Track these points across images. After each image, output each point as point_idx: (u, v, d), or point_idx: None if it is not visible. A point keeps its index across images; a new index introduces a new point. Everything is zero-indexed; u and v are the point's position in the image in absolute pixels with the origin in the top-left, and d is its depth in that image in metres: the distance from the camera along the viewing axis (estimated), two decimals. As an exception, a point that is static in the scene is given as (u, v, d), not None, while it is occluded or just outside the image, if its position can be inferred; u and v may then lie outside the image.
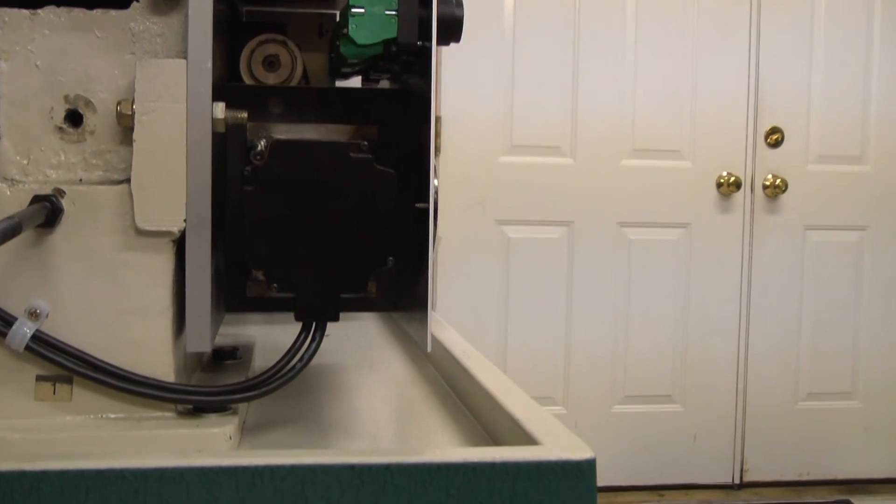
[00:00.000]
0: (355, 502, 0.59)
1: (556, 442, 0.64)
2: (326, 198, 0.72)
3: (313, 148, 0.73)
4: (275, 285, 0.73)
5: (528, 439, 0.65)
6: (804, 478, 3.06)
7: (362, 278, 0.73)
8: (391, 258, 0.74)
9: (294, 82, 0.92)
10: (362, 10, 0.74)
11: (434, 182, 0.74)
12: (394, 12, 0.75)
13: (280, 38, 0.91)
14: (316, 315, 0.74)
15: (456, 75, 2.74)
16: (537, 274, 2.85)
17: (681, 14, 2.86)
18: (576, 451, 0.62)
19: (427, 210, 0.73)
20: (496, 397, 0.75)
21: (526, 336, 2.84)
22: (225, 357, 0.92)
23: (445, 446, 0.76)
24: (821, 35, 2.94)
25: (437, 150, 2.72)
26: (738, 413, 3.01)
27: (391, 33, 0.75)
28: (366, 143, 0.73)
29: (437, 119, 2.66)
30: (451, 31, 0.77)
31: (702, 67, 2.88)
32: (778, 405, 3.02)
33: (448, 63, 2.73)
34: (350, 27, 0.74)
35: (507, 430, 0.70)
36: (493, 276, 2.84)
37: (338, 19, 0.99)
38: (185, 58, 0.69)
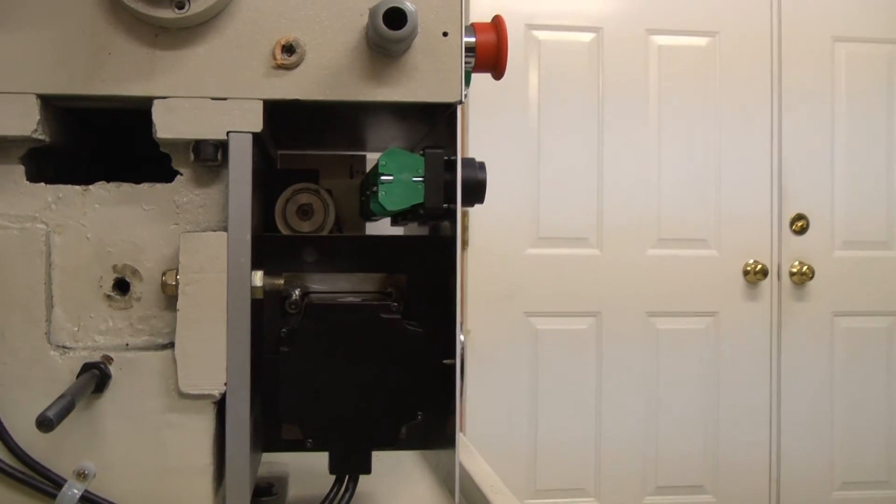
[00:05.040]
0: None
1: None
2: (358, 357, 0.76)
3: (346, 310, 0.77)
4: (309, 441, 0.76)
5: None
6: (843, 568, 3.00)
7: (393, 433, 0.77)
8: (420, 413, 0.77)
9: (327, 228, 0.96)
10: (391, 178, 0.79)
11: (460, 338, 0.78)
12: (420, 179, 0.79)
13: (313, 187, 0.96)
14: (349, 468, 0.77)
15: (482, 170, 2.79)
16: (566, 365, 2.87)
17: (703, 103, 2.91)
18: None
19: (454, 366, 0.77)
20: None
21: (556, 427, 2.84)
22: (261, 494, 0.95)
23: None
24: (842, 121, 2.97)
25: (465, 243, 2.77)
26: (773, 503, 2.97)
27: (418, 199, 0.79)
28: (396, 304, 0.77)
29: (464, 213, 2.71)
30: (476, 193, 0.81)
31: (725, 155, 2.92)
32: (812, 495, 2.98)
33: (475, 155, 2.79)
34: (380, 193, 0.78)
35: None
36: (522, 367, 2.85)
37: (367, 170, 1.04)
38: (226, 229, 0.73)
